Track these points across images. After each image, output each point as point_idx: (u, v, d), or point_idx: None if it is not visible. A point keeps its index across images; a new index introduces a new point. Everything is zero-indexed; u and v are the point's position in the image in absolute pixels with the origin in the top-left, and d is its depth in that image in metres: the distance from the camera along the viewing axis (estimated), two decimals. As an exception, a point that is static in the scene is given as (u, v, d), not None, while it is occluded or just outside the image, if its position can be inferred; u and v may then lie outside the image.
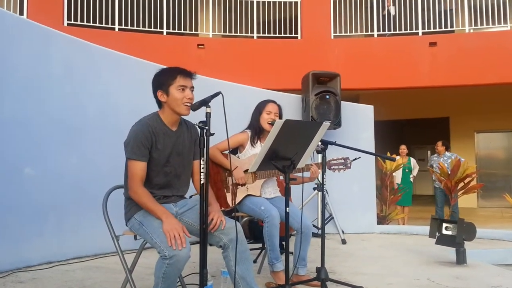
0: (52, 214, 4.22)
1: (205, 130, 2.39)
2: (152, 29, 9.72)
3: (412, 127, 15.61)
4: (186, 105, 2.54)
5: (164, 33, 9.79)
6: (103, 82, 4.72)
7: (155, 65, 5.23)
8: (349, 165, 3.44)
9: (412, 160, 9.32)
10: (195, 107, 2.47)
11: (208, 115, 2.41)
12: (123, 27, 9.61)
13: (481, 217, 11.02)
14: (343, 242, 5.40)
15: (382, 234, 6.26)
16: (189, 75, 2.58)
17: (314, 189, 5.66)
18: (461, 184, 6.38)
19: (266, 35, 10.24)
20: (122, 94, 4.86)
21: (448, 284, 3.45)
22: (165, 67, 2.70)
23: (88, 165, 4.52)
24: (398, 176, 8.54)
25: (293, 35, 10.25)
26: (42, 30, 4.23)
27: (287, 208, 2.70)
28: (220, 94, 2.43)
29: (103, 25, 9.46)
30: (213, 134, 2.52)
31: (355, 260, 4.47)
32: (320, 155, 3.21)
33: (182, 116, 2.63)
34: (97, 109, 4.65)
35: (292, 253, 4.46)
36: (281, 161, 2.72)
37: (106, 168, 4.64)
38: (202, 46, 9.68)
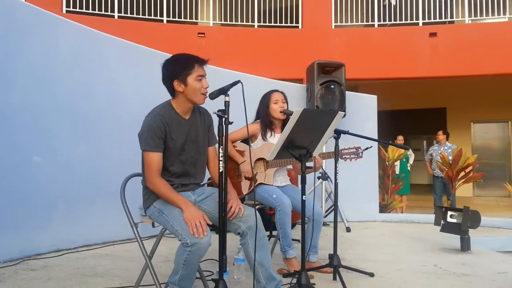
0: (61, 203, 4.23)
1: (223, 119, 2.41)
2: (152, 17, 9.66)
3: (409, 117, 15.66)
4: (203, 94, 2.54)
5: (164, 21, 9.74)
6: (111, 71, 4.71)
7: (163, 54, 5.22)
8: (360, 154, 3.47)
9: (407, 149, 9.38)
10: (213, 95, 2.48)
11: (226, 103, 2.43)
12: (122, 14, 9.54)
13: (477, 206, 11.01)
14: (348, 230, 5.46)
15: (384, 222, 6.34)
16: (204, 63, 2.57)
17: (319, 178, 5.71)
18: (462, 174, 6.45)
19: (267, 24, 10.21)
20: (131, 83, 4.86)
21: (455, 271, 3.52)
22: (176, 55, 2.64)
23: (97, 154, 4.53)
24: (396, 166, 8.60)
25: (294, 24, 10.23)
26: (49, 18, 4.21)
27: (303, 196, 2.73)
28: (240, 83, 2.45)
29: (102, 12, 9.38)
30: (232, 122, 2.54)
31: (361, 248, 4.53)
32: (326, 145, 3.25)
33: None
34: (105, 98, 4.65)
35: (298, 240, 4.53)
36: (297, 149, 2.74)
37: (115, 157, 4.66)
38: (203, 35, 9.64)
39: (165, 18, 9.74)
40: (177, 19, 10.03)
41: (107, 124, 4.63)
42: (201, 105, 2.67)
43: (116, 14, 9.48)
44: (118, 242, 4.61)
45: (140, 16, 9.58)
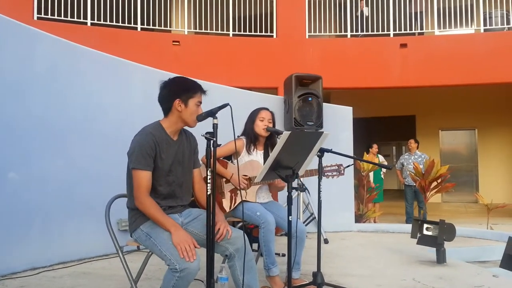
0: (37, 219, 4.13)
1: (212, 141, 2.42)
2: (126, 25, 9.52)
3: (379, 124, 15.97)
4: (196, 120, 2.58)
5: (139, 29, 9.62)
6: (87, 83, 4.63)
7: (141, 66, 5.19)
8: (342, 172, 3.53)
9: (380, 157, 9.59)
10: (201, 117, 2.51)
11: (215, 126, 2.44)
12: (95, 21, 9.38)
13: (446, 212, 11.44)
14: (326, 241, 5.51)
15: (360, 232, 6.43)
16: (205, 93, 2.65)
17: (296, 189, 5.74)
18: (434, 183, 6.62)
19: (242, 33, 10.24)
20: (107, 96, 4.79)
21: (434, 285, 3.60)
22: (180, 76, 2.78)
23: (73, 168, 4.44)
24: (370, 175, 8.75)
25: (268, 33, 10.29)
26: (26, 30, 4.12)
27: (290, 217, 2.75)
28: (228, 106, 2.47)
29: (75, 19, 9.19)
30: (220, 145, 2.55)
31: (340, 261, 4.58)
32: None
33: None
34: (81, 111, 4.57)
35: (278, 254, 4.55)
36: (283, 170, 2.76)
37: (91, 171, 4.59)
38: (178, 43, 9.59)
39: (139, 26, 9.62)
40: (151, 26, 9.93)
41: (83, 137, 4.55)
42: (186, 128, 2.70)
43: (89, 21, 9.30)
44: (95, 258, 4.54)
45: (114, 23, 9.43)
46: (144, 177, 2.45)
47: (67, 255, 4.36)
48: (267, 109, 3.62)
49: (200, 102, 2.59)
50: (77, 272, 4.02)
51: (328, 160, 3.46)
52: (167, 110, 2.58)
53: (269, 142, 3.62)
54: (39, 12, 8.92)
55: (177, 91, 2.56)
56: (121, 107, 4.88)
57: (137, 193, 2.46)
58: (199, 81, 2.76)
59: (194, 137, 2.78)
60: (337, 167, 3.48)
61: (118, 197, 2.74)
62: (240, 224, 3.55)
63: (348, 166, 3.53)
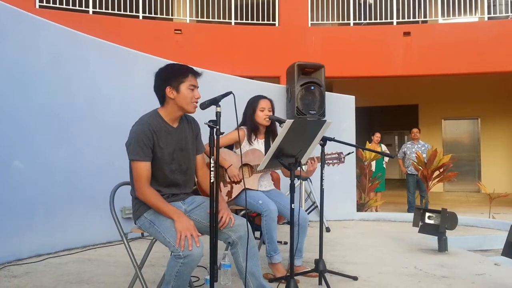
0: (41, 207, 4.17)
1: (215, 130, 2.42)
2: (128, 13, 9.49)
3: (382, 113, 15.94)
4: (194, 103, 2.55)
5: (140, 17, 9.59)
6: (91, 72, 4.64)
7: (143, 54, 5.19)
8: (342, 160, 3.53)
9: (383, 146, 9.59)
10: (204, 106, 2.49)
11: (218, 114, 2.44)
12: (97, 10, 9.35)
13: (448, 201, 11.47)
14: (327, 230, 5.54)
15: (361, 221, 6.46)
16: (198, 75, 2.59)
17: (298, 178, 5.77)
18: (437, 173, 6.63)
19: (244, 21, 10.19)
20: (111, 85, 4.80)
21: (435, 273, 3.63)
22: (170, 63, 2.69)
23: (77, 156, 4.47)
24: (372, 164, 8.76)
25: (271, 22, 10.24)
26: (29, 19, 4.11)
27: (292, 205, 2.77)
28: (231, 94, 2.47)
29: (77, 7, 9.17)
30: (223, 133, 2.56)
31: (342, 249, 4.61)
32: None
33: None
34: (85, 100, 4.58)
35: (280, 242, 4.59)
36: (286, 158, 2.78)
37: (95, 160, 4.61)
38: (179, 32, 9.56)
39: (141, 14, 9.59)
40: (153, 15, 9.90)
41: (87, 126, 4.57)
42: (190, 114, 2.68)
43: (90, 9, 9.27)
44: (99, 245, 4.58)
45: (116, 11, 9.40)
46: (143, 168, 2.45)
47: (71, 242, 4.41)
48: (265, 97, 3.60)
49: (194, 86, 2.53)
50: (82, 259, 4.06)
51: (330, 148, 3.48)
52: (161, 99, 2.56)
53: (270, 129, 3.61)
54: (41, 0, 8.89)
55: (167, 78, 2.51)
56: (124, 96, 4.88)
57: (137, 184, 2.46)
58: (200, 69, 2.73)
59: (196, 122, 2.75)
60: (337, 155, 3.49)
61: (122, 184, 2.75)
62: (242, 212, 3.58)
63: (349, 153, 3.53)
